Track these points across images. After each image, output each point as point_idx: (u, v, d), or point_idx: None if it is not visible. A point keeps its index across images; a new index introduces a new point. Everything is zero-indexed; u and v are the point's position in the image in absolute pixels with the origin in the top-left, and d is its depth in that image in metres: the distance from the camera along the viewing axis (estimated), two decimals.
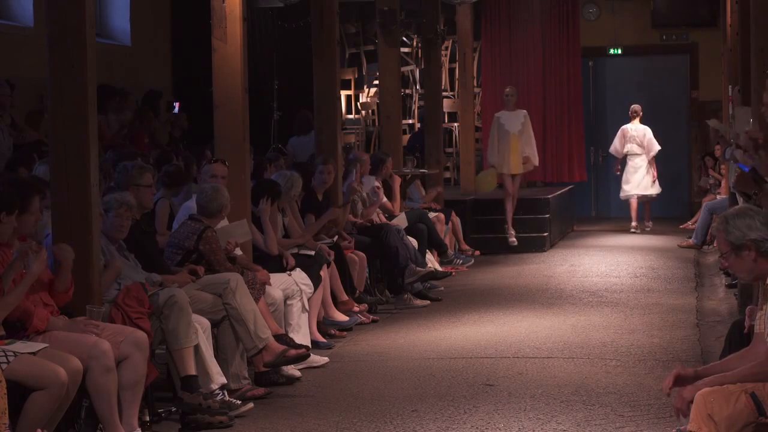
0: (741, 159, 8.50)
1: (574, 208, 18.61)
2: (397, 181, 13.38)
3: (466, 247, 14.45)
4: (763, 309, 4.97)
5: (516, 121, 15.13)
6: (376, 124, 18.10)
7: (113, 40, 15.57)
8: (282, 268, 9.03)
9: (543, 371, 8.14)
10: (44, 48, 6.77)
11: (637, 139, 17.28)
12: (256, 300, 7.82)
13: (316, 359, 8.50)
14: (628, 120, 17.57)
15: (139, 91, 14.31)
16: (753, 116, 9.50)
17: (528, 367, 8.28)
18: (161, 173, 9.42)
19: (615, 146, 17.43)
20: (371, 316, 10.38)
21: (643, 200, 17.48)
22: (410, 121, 18.74)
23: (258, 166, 10.85)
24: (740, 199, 8.83)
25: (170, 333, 6.99)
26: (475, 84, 18.10)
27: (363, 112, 18.67)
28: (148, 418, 6.79)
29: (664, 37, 19.85)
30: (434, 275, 11.63)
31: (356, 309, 10.05)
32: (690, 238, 15.31)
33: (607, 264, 13.82)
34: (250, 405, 7.27)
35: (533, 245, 15.13)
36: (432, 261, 12.58)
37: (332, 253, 9.84)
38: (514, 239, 15.18)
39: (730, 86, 14.63)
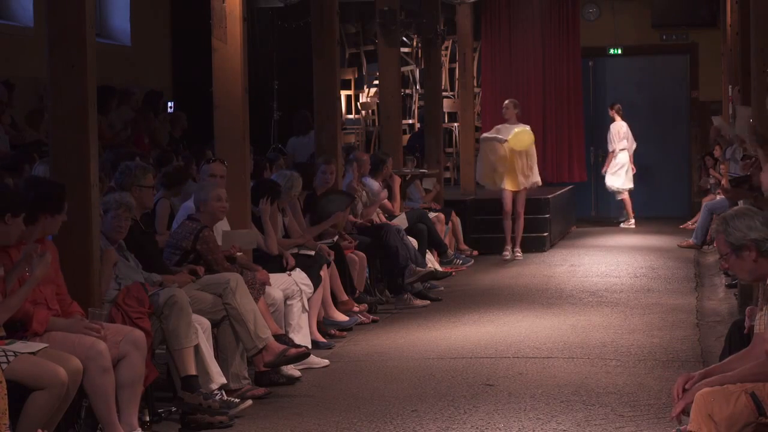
0: (749, 146, 8.57)
1: (574, 208, 18.61)
2: (397, 181, 13.38)
3: (464, 247, 14.44)
4: (763, 309, 4.97)
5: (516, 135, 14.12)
6: (376, 124, 18.10)
7: (113, 40, 15.58)
8: (282, 268, 9.03)
9: (543, 371, 8.14)
10: (44, 48, 6.77)
11: (628, 135, 17.84)
12: (256, 300, 7.82)
13: (316, 360, 8.50)
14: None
15: (139, 91, 14.31)
16: (753, 115, 9.51)
17: (528, 367, 8.28)
18: (160, 174, 9.42)
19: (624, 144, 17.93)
20: (371, 316, 10.38)
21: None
22: (410, 121, 18.74)
23: (258, 165, 10.86)
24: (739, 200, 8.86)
25: (170, 333, 6.99)
26: (475, 84, 18.10)
27: (363, 112, 18.67)
28: (148, 418, 6.79)
29: (664, 37, 19.86)
30: (434, 275, 11.63)
31: (356, 309, 10.05)
32: (690, 238, 15.31)
33: (607, 264, 13.83)
34: (249, 402, 7.27)
35: (533, 245, 15.12)
36: (432, 261, 12.58)
37: (332, 253, 9.84)
38: (509, 254, 14.34)
39: (730, 86, 14.65)
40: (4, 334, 5.92)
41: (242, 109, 9.05)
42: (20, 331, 6.03)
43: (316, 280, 9.23)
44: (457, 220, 14.48)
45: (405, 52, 18.23)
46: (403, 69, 17.42)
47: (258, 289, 7.98)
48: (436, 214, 13.56)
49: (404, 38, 17.94)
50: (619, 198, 18.47)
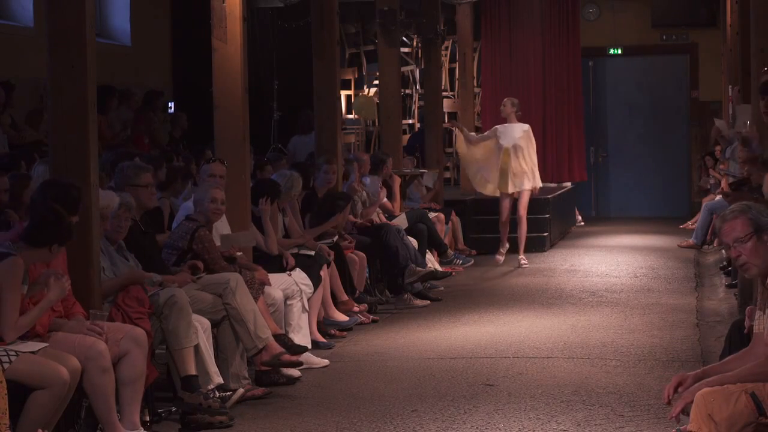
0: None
1: (574, 208, 18.61)
2: (397, 181, 13.38)
3: (463, 247, 14.43)
4: (763, 310, 4.96)
5: (512, 136, 13.52)
6: (376, 124, 18.10)
7: (113, 40, 15.58)
8: (282, 268, 9.03)
9: (543, 371, 8.14)
10: (44, 48, 6.77)
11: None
12: (255, 299, 7.82)
13: (316, 360, 8.50)
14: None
15: (139, 91, 14.31)
16: (752, 115, 9.52)
17: (528, 367, 8.28)
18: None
19: None
20: (371, 316, 10.38)
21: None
22: (410, 121, 18.74)
23: (257, 166, 10.86)
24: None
25: (170, 333, 6.99)
26: (475, 84, 18.10)
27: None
28: (148, 418, 6.79)
29: (664, 37, 19.86)
30: (434, 275, 11.63)
31: (356, 309, 10.05)
32: (690, 238, 15.30)
33: (607, 264, 13.82)
34: (241, 391, 7.31)
35: (533, 245, 15.12)
36: (432, 261, 12.58)
37: (332, 253, 9.84)
38: (501, 258, 13.74)
39: (730, 86, 14.66)
40: None
41: (242, 109, 9.05)
42: None
43: (316, 280, 9.23)
44: (457, 220, 14.47)
45: (405, 52, 18.24)
46: (403, 69, 17.42)
47: (257, 289, 7.98)
48: (436, 214, 13.55)
49: (404, 38, 17.95)
50: None
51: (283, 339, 8.00)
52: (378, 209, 12.40)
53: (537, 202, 15.59)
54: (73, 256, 6.55)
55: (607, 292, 11.69)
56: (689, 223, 17.33)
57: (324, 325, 9.59)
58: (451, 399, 7.37)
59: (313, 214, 10.58)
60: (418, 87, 18.62)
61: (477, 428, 6.68)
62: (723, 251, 12.52)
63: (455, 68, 18.02)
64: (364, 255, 10.79)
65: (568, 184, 18.31)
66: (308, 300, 9.00)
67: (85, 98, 6.71)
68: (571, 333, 9.50)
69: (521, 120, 13.72)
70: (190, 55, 15.87)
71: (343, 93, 17.55)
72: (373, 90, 18.35)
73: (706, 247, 14.84)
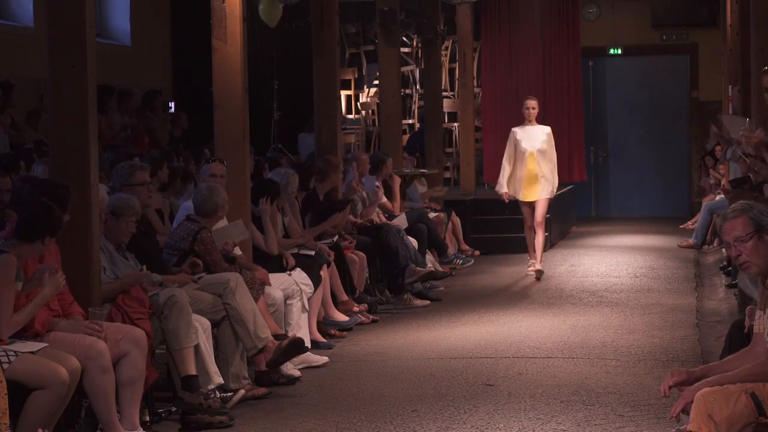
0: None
1: (574, 208, 18.61)
2: (397, 181, 13.38)
3: (465, 247, 14.44)
4: (763, 309, 4.96)
5: (535, 139, 12.69)
6: (376, 124, 18.10)
7: (113, 40, 15.58)
8: (282, 268, 9.03)
9: (543, 371, 8.14)
10: (44, 48, 6.77)
11: None
12: (256, 299, 7.82)
13: (316, 360, 8.50)
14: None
15: (139, 91, 14.32)
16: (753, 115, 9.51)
17: (528, 367, 8.28)
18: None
19: None
20: (371, 316, 10.38)
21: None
22: (410, 121, 18.74)
23: (257, 166, 10.86)
24: None
25: (170, 333, 6.99)
26: (475, 84, 18.11)
27: (363, 112, 18.68)
28: (148, 418, 6.79)
29: (664, 37, 19.87)
30: (434, 275, 11.63)
31: (356, 309, 10.05)
32: (690, 238, 15.30)
33: (607, 264, 13.82)
34: (242, 392, 7.31)
35: None
36: (432, 261, 12.58)
37: (332, 253, 9.84)
38: (541, 269, 12.69)
39: (730, 86, 14.66)
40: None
41: (242, 109, 9.05)
42: (21, 332, 6.03)
43: (316, 280, 9.23)
44: (457, 220, 14.48)
45: (405, 52, 18.23)
46: (403, 69, 17.42)
47: (257, 289, 7.98)
48: (436, 214, 13.56)
49: (404, 38, 17.95)
50: None
51: (283, 339, 7.99)
52: (378, 209, 12.40)
53: None
54: (74, 255, 6.56)
55: (607, 292, 11.69)
56: (689, 223, 17.33)
57: (324, 325, 9.59)
58: (451, 399, 7.37)
59: (313, 215, 10.58)
60: (418, 87, 18.62)
61: (477, 428, 6.68)
62: (723, 251, 12.52)
63: (455, 68, 18.01)
64: (364, 255, 10.79)
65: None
66: (308, 300, 9.00)
67: (85, 98, 6.71)
68: (571, 333, 9.50)
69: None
70: (190, 55, 15.86)
71: (343, 93, 17.56)
72: (373, 90, 18.35)
73: (706, 247, 14.84)
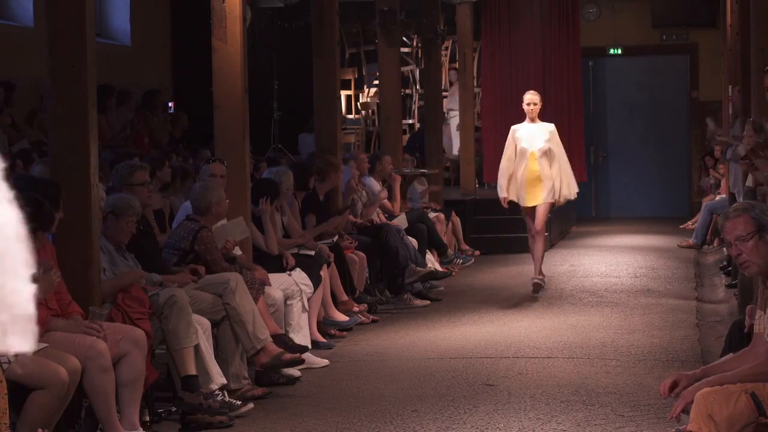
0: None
1: (574, 208, 18.61)
2: (397, 181, 13.38)
3: (466, 247, 14.44)
4: (763, 309, 4.96)
5: (537, 137, 11.70)
6: (376, 124, 18.10)
7: (113, 40, 15.58)
8: (282, 268, 9.02)
9: (543, 371, 8.14)
10: (44, 48, 6.77)
11: None
12: (255, 300, 7.81)
13: (316, 360, 8.50)
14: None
15: (139, 91, 14.32)
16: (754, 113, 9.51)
17: (528, 367, 8.28)
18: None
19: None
20: (371, 316, 10.38)
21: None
22: (410, 121, 18.74)
23: (256, 166, 10.86)
24: (740, 199, 8.84)
25: (170, 333, 6.99)
26: (475, 84, 18.11)
27: (363, 112, 18.67)
28: (148, 418, 6.79)
29: (664, 37, 19.88)
30: (434, 275, 11.62)
31: (356, 309, 10.05)
32: (690, 238, 15.31)
33: (607, 264, 13.82)
34: (251, 405, 7.27)
35: None
36: (432, 261, 12.58)
37: (332, 253, 9.84)
38: (539, 282, 11.64)
39: (730, 86, 14.65)
40: None
41: (242, 109, 9.05)
42: None
43: (316, 280, 9.23)
44: (457, 220, 14.48)
45: (405, 52, 18.23)
46: (403, 69, 17.42)
47: (257, 289, 7.98)
48: (436, 214, 13.55)
49: (404, 38, 17.94)
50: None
51: (283, 339, 8.00)
52: (378, 209, 12.40)
53: None
54: (73, 255, 6.56)
55: (607, 292, 11.69)
56: (689, 223, 17.34)
57: (324, 325, 9.59)
58: (451, 399, 7.37)
59: (313, 215, 10.58)
60: (418, 87, 18.62)
61: (477, 428, 6.68)
62: (723, 251, 12.52)
63: (455, 68, 18.01)
64: (364, 255, 10.79)
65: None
66: (308, 300, 9.00)
67: (85, 98, 6.71)
68: (571, 333, 9.50)
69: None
70: (190, 55, 15.87)
71: (343, 93, 17.55)
72: (373, 90, 18.35)
73: (706, 247, 14.84)
